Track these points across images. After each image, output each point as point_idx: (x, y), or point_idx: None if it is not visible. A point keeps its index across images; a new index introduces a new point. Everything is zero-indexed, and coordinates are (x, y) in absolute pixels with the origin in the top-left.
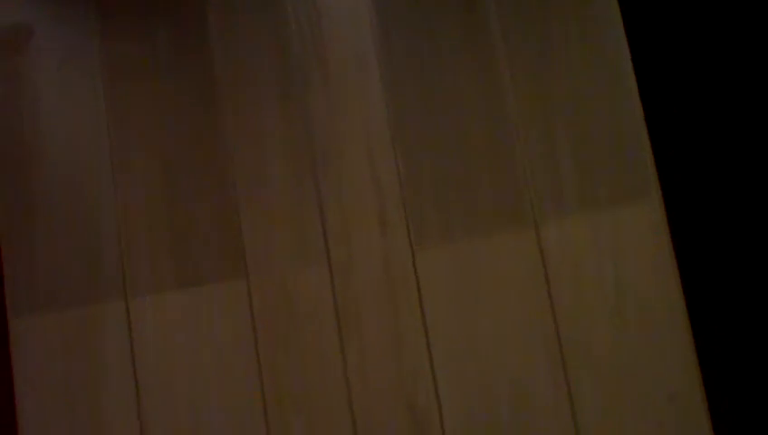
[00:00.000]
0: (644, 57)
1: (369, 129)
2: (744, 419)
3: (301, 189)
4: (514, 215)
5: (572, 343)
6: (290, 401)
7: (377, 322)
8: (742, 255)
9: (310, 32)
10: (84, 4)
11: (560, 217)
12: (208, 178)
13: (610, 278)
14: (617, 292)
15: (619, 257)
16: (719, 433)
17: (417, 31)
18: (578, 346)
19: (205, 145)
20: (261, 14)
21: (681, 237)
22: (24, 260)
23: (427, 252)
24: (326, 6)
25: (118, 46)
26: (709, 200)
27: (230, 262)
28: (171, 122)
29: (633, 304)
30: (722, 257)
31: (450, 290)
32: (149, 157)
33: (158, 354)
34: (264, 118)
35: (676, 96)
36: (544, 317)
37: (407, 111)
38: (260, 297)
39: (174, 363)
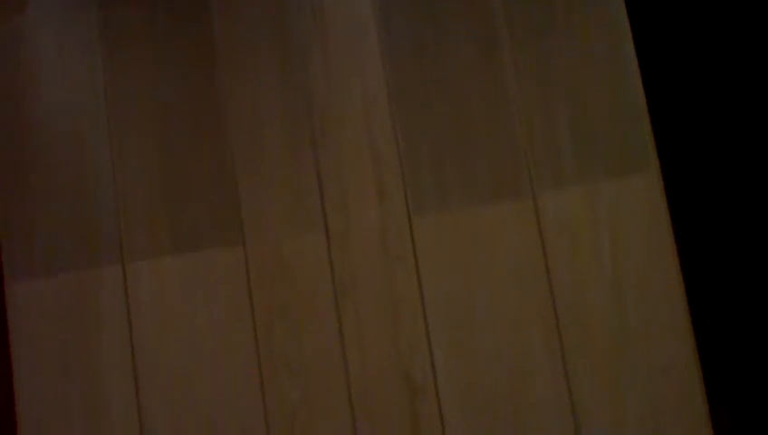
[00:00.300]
0: (644, 31)
1: (368, 97)
2: (738, 391)
3: (299, 157)
4: (512, 185)
5: (569, 314)
6: (285, 369)
7: (374, 291)
8: (739, 228)
9: (307, 2)
10: None
11: (558, 188)
12: (206, 144)
13: (607, 251)
14: (613, 264)
15: (616, 230)
16: (713, 406)
17: (417, 2)
18: (574, 318)
19: (202, 112)
20: None
21: (679, 211)
22: (21, 225)
23: (425, 222)
24: None
25: (116, 11)
26: (707, 174)
27: (227, 228)
28: (169, 89)
29: (630, 277)
30: (719, 231)
31: (447, 260)
32: (147, 123)
33: (154, 319)
34: (263, 85)
35: (676, 70)
36: (541, 288)
37: (406, 81)
38: (256, 265)
39: (170, 329)
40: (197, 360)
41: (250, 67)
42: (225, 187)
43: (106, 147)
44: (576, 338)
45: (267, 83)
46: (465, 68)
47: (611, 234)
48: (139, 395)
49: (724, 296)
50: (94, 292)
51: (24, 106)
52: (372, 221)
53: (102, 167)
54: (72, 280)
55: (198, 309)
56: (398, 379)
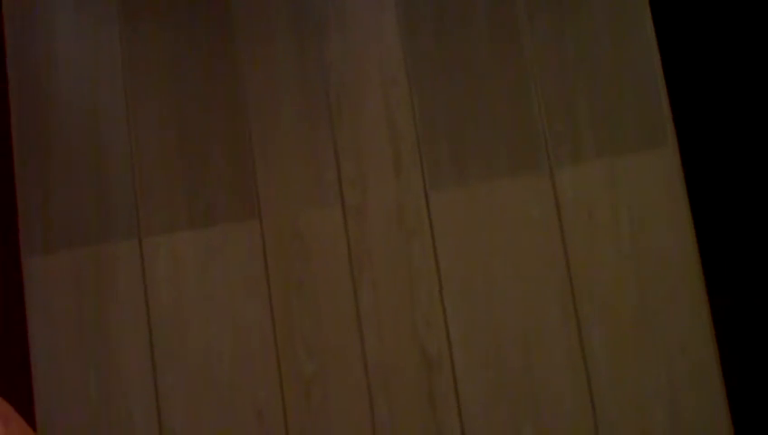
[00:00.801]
0: (662, 5)
1: (385, 71)
2: (754, 368)
3: (316, 132)
4: (530, 160)
5: (585, 289)
6: (302, 343)
7: (390, 265)
8: (756, 202)
9: None
10: None
11: (575, 163)
12: (223, 120)
13: (625, 225)
14: (631, 239)
15: (633, 204)
16: (729, 382)
17: None
18: (590, 293)
19: (219, 86)
20: None
21: (696, 185)
22: (38, 200)
23: (441, 196)
24: None
25: None
26: (724, 148)
27: (243, 203)
28: (186, 64)
29: (647, 252)
30: (736, 205)
31: (463, 234)
32: (164, 98)
33: (171, 293)
34: (281, 61)
35: (693, 45)
36: (558, 263)
37: (423, 55)
38: (273, 239)
39: (186, 303)
40: (214, 333)
41: (268, 43)
42: (241, 162)
43: (123, 123)
44: (593, 314)
45: (285, 59)
46: (482, 44)
47: (629, 208)
48: (155, 368)
49: (742, 271)
50: (111, 266)
51: (42, 82)
52: (389, 195)
53: (119, 142)
54: (88, 255)
55: (215, 283)
56: (414, 353)
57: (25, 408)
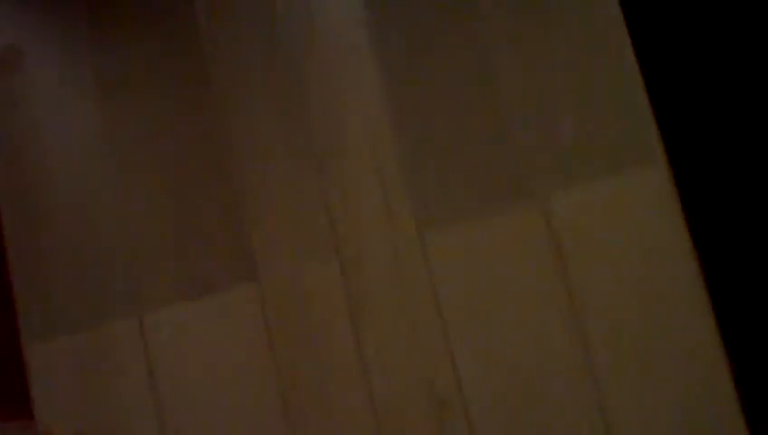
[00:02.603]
0: (640, 24)
1: (369, 119)
2: (764, 371)
3: (305, 188)
4: (520, 190)
5: (588, 312)
6: (309, 400)
7: (391, 312)
8: (751, 208)
9: (301, 30)
10: (74, 17)
11: (567, 187)
12: (212, 184)
13: (622, 243)
14: (629, 256)
15: (628, 222)
16: (742, 392)
17: (410, 30)
18: (595, 316)
19: (206, 151)
20: (251, 13)
21: (689, 197)
22: (34, 287)
23: (436, 237)
24: (318, 5)
25: (109, 56)
26: (715, 158)
27: (240, 266)
28: (170, 130)
29: (646, 266)
30: (732, 213)
31: (462, 272)
32: (150, 168)
33: (175, 364)
34: (264, 120)
35: (673, 61)
36: (559, 291)
37: (405, 102)
38: (272, 299)
39: (192, 372)
40: (221, 399)
41: (248, 100)
42: (234, 225)
43: (112, 197)
44: (598, 335)
45: (268, 117)
46: (463, 82)
47: (623, 227)
48: None
49: (741, 278)
50: (113, 344)
51: (28, 165)
52: (384, 243)
53: (111, 221)
54: (89, 337)
55: (219, 349)
56: (423, 397)
57: None
